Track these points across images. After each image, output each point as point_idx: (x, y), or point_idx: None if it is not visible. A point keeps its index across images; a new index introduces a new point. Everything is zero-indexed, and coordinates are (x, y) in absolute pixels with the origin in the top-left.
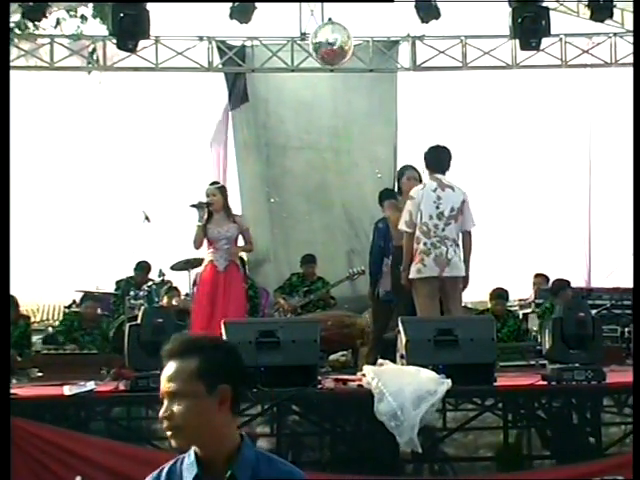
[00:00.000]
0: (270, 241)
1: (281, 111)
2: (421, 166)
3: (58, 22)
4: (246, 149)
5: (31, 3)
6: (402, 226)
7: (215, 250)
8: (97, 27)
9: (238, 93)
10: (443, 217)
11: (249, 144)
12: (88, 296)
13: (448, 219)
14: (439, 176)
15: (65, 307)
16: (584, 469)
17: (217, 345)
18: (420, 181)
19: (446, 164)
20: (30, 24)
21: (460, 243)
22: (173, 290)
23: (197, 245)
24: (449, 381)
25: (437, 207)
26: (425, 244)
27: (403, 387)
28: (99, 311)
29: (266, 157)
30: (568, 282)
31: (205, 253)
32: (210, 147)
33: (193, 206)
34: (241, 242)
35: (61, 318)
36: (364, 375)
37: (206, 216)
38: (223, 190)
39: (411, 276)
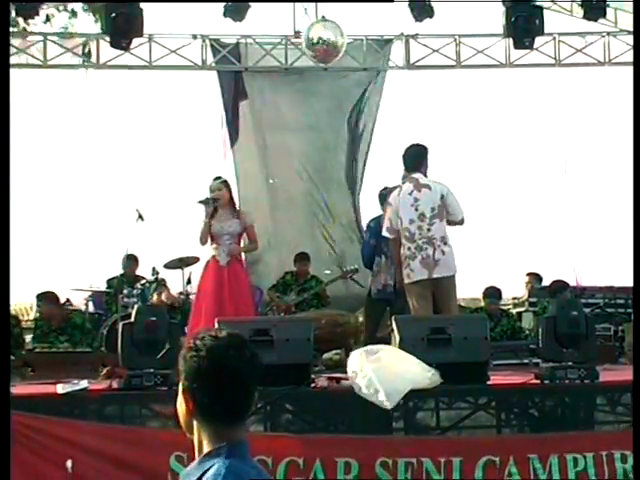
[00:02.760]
0: (270, 224)
1: (276, 97)
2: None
3: (48, 18)
4: (244, 132)
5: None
6: (385, 233)
7: (217, 246)
8: (89, 24)
9: (235, 90)
10: (425, 218)
11: (246, 128)
12: (41, 297)
13: (431, 219)
14: (415, 176)
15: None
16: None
17: (193, 347)
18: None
19: (422, 162)
20: (22, 22)
21: (449, 239)
22: (161, 287)
23: (203, 241)
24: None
25: (416, 209)
26: (409, 249)
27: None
28: (58, 307)
29: (262, 139)
30: (567, 284)
31: (206, 250)
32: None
33: (201, 202)
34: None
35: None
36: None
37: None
38: (227, 185)
39: (405, 281)
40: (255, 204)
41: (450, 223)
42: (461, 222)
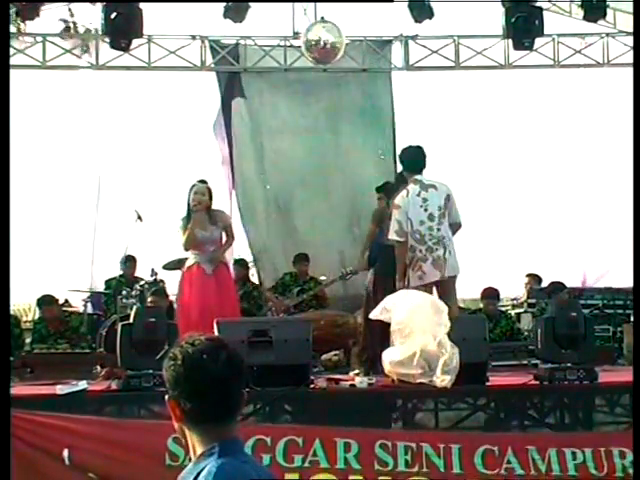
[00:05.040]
0: (265, 231)
1: (274, 98)
2: None
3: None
4: (241, 136)
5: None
6: (393, 236)
7: (201, 252)
8: (88, 21)
9: (234, 90)
10: (434, 218)
11: (243, 131)
12: (41, 301)
13: (440, 218)
14: (418, 177)
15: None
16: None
17: (173, 356)
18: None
19: (423, 163)
20: (22, 22)
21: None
22: (159, 294)
23: (188, 249)
24: None
25: (425, 210)
26: (420, 251)
27: None
28: (58, 311)
29: (260, 143)
30: (564, 284)
31: (189, 254)
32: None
33: (188, 214)
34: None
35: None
36: (357, 374)
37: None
38: (210, 190)
39: (413, 284)
40: (252, 209)
41: (450, 225)
42: (459, 225)
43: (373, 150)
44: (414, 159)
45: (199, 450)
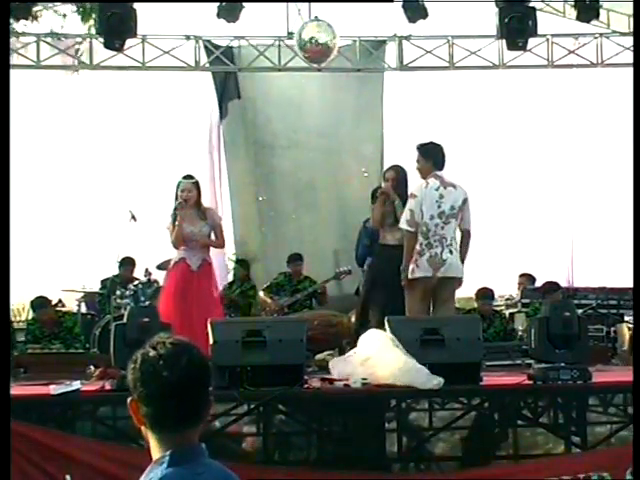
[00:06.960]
0: (259, 239)
1: (268, 110)
2: (408, 164)
3: (35, 17)
4: (235, 147)
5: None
6: (403, 225)
7: (188, 248)
8: (81, 25)
9: (229, 91)
10: (444, 216)
11: (237, 142)
12: (35, 303)
13: (448, 218)
14: (440, 173)
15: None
16: (568, 465)
17: (135, 358)
18: (403, 177)
19: (444, 161)
20: (16, 22)
21: (458, 242)
22: (157, 292)
23: (178, 246)
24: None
25: (439, 206)
26: (421, 244)
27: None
28: (52, 312)
29: (254, 155)
30: (558, 285)
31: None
32: (208, 150)
33: (175, 210)
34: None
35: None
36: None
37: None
38: (198, 185)
39: (408, 276)
40: (245, 218)
41: (462, 231)
42: (468, 233)
43: (358, 168)
44: (438, 155)
45: (155, 457)
